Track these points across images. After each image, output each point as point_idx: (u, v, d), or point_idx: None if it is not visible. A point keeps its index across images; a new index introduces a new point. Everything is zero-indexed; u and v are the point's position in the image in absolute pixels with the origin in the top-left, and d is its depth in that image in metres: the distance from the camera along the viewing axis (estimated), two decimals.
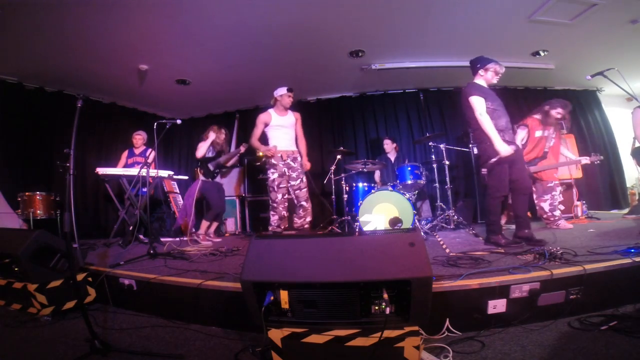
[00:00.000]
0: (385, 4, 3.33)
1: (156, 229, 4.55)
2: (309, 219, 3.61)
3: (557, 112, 3.43)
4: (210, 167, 3.96)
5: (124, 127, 5.24)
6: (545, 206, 3.56)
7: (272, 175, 3.46)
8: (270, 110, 3.54)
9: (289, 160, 3.52)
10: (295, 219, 3.58)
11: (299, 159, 3.58)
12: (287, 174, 3.50)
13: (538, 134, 3.50)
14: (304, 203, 3.56)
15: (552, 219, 3.53)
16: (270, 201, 3.53)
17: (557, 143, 3.63)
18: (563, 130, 3.80)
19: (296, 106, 4.05)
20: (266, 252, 1.44)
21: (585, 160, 3.57)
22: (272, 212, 3.51)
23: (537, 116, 3.54)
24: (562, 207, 3.74)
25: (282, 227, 3.53)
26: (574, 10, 3.50)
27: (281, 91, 3.53)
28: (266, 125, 3.51)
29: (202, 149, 3.92)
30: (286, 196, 3.51)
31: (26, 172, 4.39)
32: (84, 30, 3.43)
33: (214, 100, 5.76)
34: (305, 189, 3.57)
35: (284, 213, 3.50)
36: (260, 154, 4.15)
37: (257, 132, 3.51)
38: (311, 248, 1.42)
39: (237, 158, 4.28)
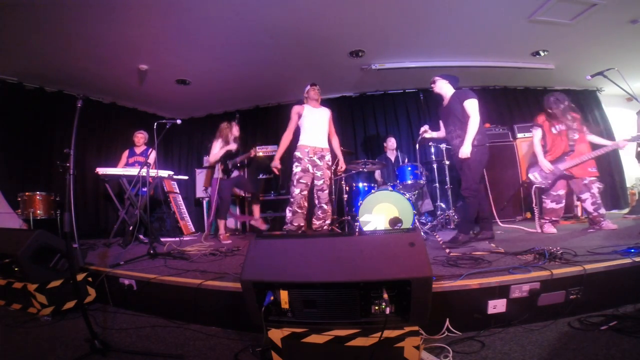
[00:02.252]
0: (386, 4, 3.34)
1: (156, 229, 4.55)
2: (328, 221, 3.52)
3: (557, 109, 3.26)
4: (229, 164, 3.99)
5: (124, 127, 5.24)
6: (588, 206, 3.22)
7: (295, 169, 3.38)
8: (305, 104, 3.52)
9: (315, 158, 3.40)
10: (314, 220, 3.49)
11: (326, 158, 3.47)
12: (311, 171, 3.40)
13: (554, 130, 3.30)
14: (324, 205, 3.45)
15: (598, 218, 3.17)
16: (290, 196, 3.43)
17: (582, 135, 3.26)
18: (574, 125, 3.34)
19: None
20: (266, 252, 1.44)
21: (624, 143, 3.11)
22: (288, 208, 3.41)
23: (545, 112, 3.38)
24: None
25: (296, 225, 3.35)
26: (574, 10, 3.50)
27: (306, 88, 3.57)
28: (300, 116, 3.45)
29: (218, 152, 3.90)
30: (304, 193, 3.36)
31: (26, 172, 4.39)
32: (84, 30, 3.43)
33: (214, 100, 5.76)
34: (327, 191, 3.47)
35: (299, 210, 3.36)
36: (261, 153, 4.14)
37: (290, 126, 3.46)
38: (311, 248, 1.42)
39: (246, 160, 4.30)
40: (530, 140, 4.89)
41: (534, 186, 3.36)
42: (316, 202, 3.47)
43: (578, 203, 4.33)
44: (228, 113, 6.20)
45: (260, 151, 4.44)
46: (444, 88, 3.03)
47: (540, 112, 3.47)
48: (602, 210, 3.20)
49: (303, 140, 3.42)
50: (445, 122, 3.10)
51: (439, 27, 3.83)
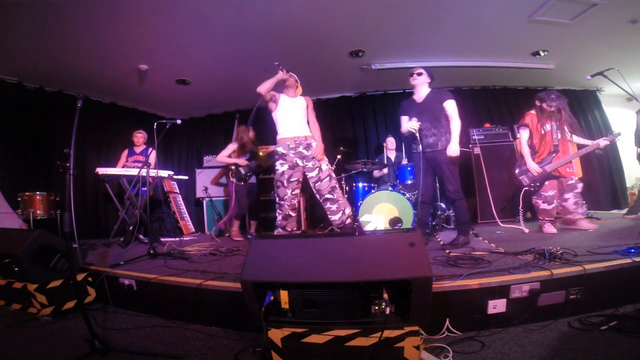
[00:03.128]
0: (386, 3, 3.34)
1: (156, 229, 4.55)
2: (348, 211, 3.04)
3: (548, 105, 3.20)
4: (242, 170, 4.06)
5: (124, 127, 5.22)
6: (569, 205, 3.26)
7: (282, 167, 2.98)
8: (281, 93, 3.19)
9: (301, 149, 3.01)
10: (330, 216, 3.04)
11: (314, 145, 3.05)
12: (300, 164, 3.01)
13: (543, 129, 3.28)
14: (329, 195, 2.98)
15: (576, 217, 3.25)
16: (277, 199, 3.03)
17: (564, 135, 3.26)
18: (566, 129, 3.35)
19: None
20: (266, 252, 1.44)
21: (604, 141, 3.12)
22: (278, 211, 3.06)
23: (534, 112, 3.36)
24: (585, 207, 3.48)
25: (289, 230, 3.07)
26: (574, 10, 3.50)
27: None
28: (273, 101, 3.09)
29: (224, 158, 4.10)
30: (296, 192, 3.02)
31: (26, 172, 4.39)
32: (84, 30, 3.43)
33: (214, 100, 5.76)
34: (327, 179, 2.99)
35: (293, 214, 3.05)
36: (261, 153, 4.15)
37: (266, 86, 2.99)
38: (311, 248, 1.42)
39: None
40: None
41: (523, 189, 3.36)
42: (317, 197, 3.06)
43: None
44: (228, 113, 6.21)
45: (261, 151, 4.45)
46: (424, 85, 2.90)
47: (528, 111, 3.42)
48: (581, 210, 3.31)
49: (282, 133, 3.08)
50: (416, 118, 2.89)
51: (439, 27, 3.83)
